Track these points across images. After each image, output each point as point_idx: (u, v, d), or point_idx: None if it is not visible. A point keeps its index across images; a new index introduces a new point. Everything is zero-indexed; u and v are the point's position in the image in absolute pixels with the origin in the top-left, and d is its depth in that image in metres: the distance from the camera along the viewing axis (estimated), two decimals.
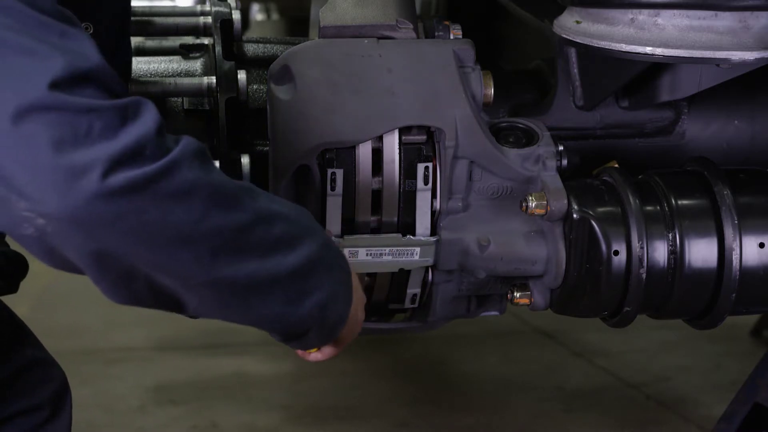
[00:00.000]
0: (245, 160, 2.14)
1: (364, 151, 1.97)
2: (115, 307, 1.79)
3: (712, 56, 1.91)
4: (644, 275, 1.98)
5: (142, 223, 1.39)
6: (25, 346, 2.02)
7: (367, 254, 2.01)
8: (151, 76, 2.25)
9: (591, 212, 1.99)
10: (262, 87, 2.23)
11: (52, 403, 2.02)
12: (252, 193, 1.53)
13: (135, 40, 2.41)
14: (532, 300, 2.07)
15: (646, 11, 1.93)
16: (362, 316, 1.78)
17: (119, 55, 2.03)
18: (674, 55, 1.92)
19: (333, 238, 1.98)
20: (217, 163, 2.13)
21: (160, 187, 1.38)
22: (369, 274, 2.07)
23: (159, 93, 2.16)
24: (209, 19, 2.27)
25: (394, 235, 2.02)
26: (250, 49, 2.34)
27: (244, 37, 2.33)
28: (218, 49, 2.20)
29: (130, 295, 1.50)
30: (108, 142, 1.35)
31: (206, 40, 2.33)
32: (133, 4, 2.14)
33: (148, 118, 1.41)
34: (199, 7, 2.35)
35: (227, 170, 2.11)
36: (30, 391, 2.00)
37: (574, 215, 1.99)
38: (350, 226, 2.02)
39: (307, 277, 1.58)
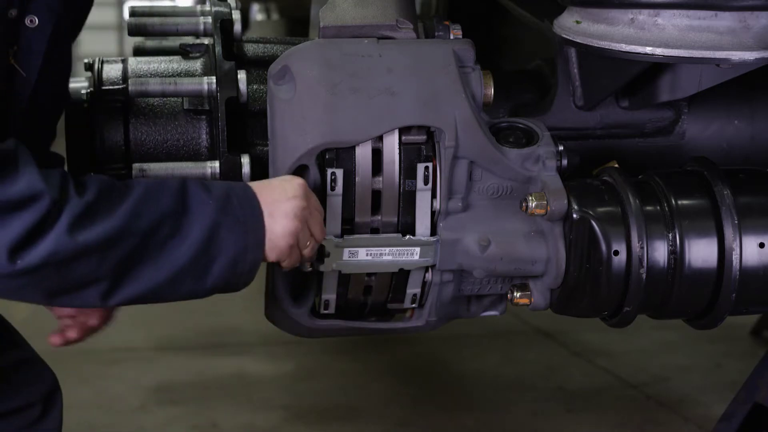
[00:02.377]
0: (245, 160, 2.14)
1: (364, 151, 1.97)
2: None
3: (712, 56, 1.91)
4: (644, 275, 1.98)
5: (46, 287, 1.68)
6: (11, 347, 2.04)
7: (367, 254, 2.01)
8: (151, 76, 2.25)
9: (591, 212, 1.99)
10: (262, 87, 2.23)
11: (43, 402, 2.04)
12: (128, 206, 1.71)
13: (135, 40, 2.41)
14: (532, 300, 2.07)
15: (646, 11, 1.93)
16: (296, 214, 1.83)
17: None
18: (674, 55, 1.92)
19: (333, 239, 1.98)
20: (217, 163, 2.13)
21: (57, 260, 1.64)
22: (369, 274, 2.07)
23: (159, 93, 2.16)
24: (209, 20, 2.27)
25: (394, 235, 2.02)
26: (250, 49, 2.33)
27: (244, 37, 2.32)
28: (218, 49, 2.19)
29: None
30: (3, 232, 1.62)
31: (206, 40, 2.33)
32: (132, 4, 2.14)
33: (32, 194, 1.63)
34: (199, 8, 2.34)
35: (227, 170, 2.12)
36: (18, 391, 2.02)
37: (574, 215, 1.99)
38: (350, 226, 2.02)
39: (207, 251, 1.75)
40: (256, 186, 1.86)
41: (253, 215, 1.80)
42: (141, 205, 1.73)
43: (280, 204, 1.83)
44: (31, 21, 1.81)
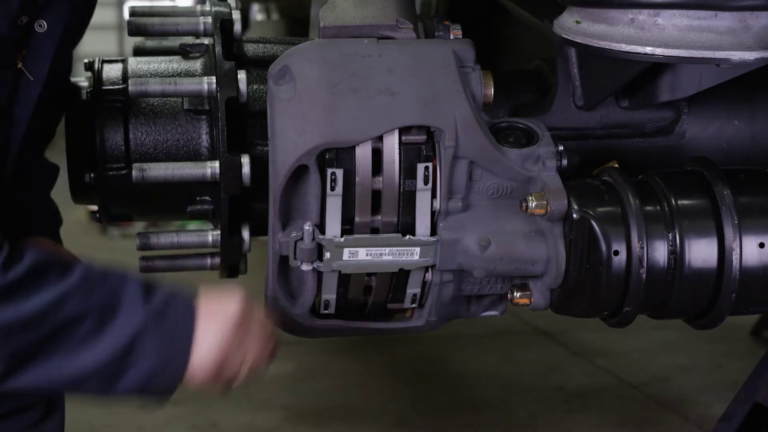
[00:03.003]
0: (245, 160, 2.14)
1: (364, 151, 1.97)
2: None
3: (712, 56, 1.91)
4: (644, 275, 1.98)
5: None
6: None
7: (367, 254, 2.01)
8: (151, 76, 2.25)
9: (591, 212, 1.99)
10: (262, 87, 2.23)
11: (45, 404, 2.04)
12: (52, 294, 1.63)
13: (135, 40, 2.41)
14: (532, 300, 2.07)
15: (646, 11, 1.93)
16: (250, 345, 1.79)
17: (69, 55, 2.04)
18: (674, 55, 1.92)
19: (333, 239, 1.98)
20: (217, 163, 2.13)
21: None
22: (369, 274, 2.07)
23: (159, 93, 2.16)
24: (209, 20, 2.27)
25: (394, 235, 2.02)
26: (250, 49, 2.33)
27: (244, 37, 2.32)
28: (218, 49, 2.20)
29: None
30: None
31: (206, 40, 2.33)
32: (132, 4, 2.15)
33: None
34: (199, 8, 2.35)
35: (227, 170, 2.12)
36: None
37: (574, 215, 1.99)
38: (350, 226, 2.02)
39: (124, 358, 1.68)
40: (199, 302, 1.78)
41: (185, 336, 1.73)
42: (69, 295, 1.66)
43: (210, 333, 1.75)
44: (40, 26, 1.82)
